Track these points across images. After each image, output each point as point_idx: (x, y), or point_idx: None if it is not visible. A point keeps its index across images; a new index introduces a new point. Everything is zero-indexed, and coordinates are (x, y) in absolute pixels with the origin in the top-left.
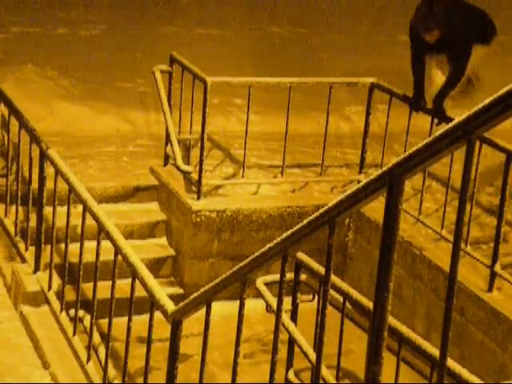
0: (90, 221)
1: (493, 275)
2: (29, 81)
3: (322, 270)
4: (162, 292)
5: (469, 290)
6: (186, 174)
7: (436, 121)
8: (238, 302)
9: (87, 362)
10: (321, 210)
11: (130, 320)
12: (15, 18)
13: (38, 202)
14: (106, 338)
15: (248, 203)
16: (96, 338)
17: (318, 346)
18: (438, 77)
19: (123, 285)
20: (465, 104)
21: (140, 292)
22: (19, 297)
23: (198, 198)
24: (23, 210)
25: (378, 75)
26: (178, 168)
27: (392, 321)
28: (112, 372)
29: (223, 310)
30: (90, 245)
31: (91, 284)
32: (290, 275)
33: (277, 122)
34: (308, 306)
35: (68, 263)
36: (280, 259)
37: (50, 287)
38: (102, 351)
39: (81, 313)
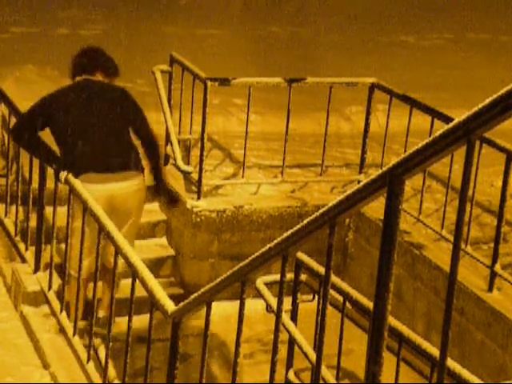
0: None
1: (493, 275)
2: (29, 81)
3: (322, 270)
4: (162, 292)
5: (469, 290)
6: (186, 173)
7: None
8: (238, 302)
9: (87, 362)
10: (321, 210)
11: (130, 320)
12: (15, 17)
13: (38, 202)
14: (106, 337)
15: (248, 203)
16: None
17: (318, 346)
18: None
19: (123, 285)
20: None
21: (140, 292)
22: (19, 297)
23: (198, 198)
24: (23, 210)
25: (378, 75)
26: (177, 168)
27: (392, 321)
28: (112, 372)
29: (223, 309)
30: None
31: (91, 284)
32: (290, 275)
33: (277, 122)
34: (308, 305)
35: (68, 263)
36: (280, 259)
37: (50, 287)
38: (102, 351)
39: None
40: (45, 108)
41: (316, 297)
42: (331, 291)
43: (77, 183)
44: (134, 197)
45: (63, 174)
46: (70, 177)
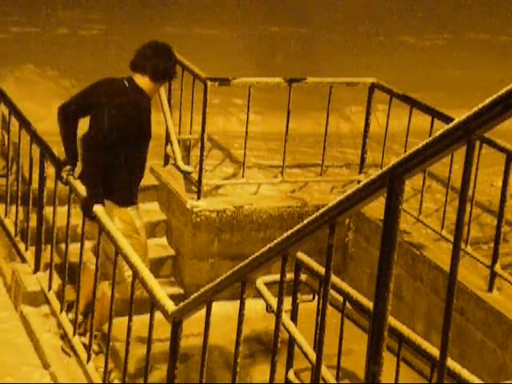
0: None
1: (493, 275)
2: (29, 81)
3: (322, 269)
4: (162, 292)
5: (469, 290)
6: (186, 173)
7: None
8: (238, 302)
9: (87, 362)
10: (321, 210)
11: (130, 320)
12: (15, 17)
13: (38, 202)
14: (106, 337)
15: (248, 203)
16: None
17: (318, 345)
18: None
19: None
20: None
21: (140, 292)
22: (19, 297)
23: (198, 198)
24: (23, 210)
25: (378, 75)
26: (178, 168)
27: (392, 321)
28: (112, 372)
29: (223, 310)
30: (90, 245)
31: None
32: (290, 275)
33: (277, 122)
34: (308, 305)
35: (68, 263)
36: (280, 259)
37: (50, 287)
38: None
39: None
40: (86, 96)
41: (316, 297)
42: (331, 291)
43: (77, 184)
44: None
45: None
46: (70, 177)
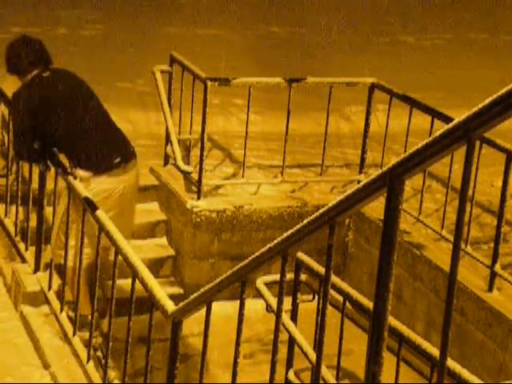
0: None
1: (493, 275)
2: None
3: (322, 269)
4: (162, 292)
5: (469, 290)
6: (186, 173)
7: None
8: (238, 302)
9: (87, 362)
10: (321, 210)
11: (130, 320)
12: (15, 17)
13: (38, 202)
14: (106, 337)
15: (248, 203)
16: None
17: (318, 345)
18: None
19: (123, 284)
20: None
21: (140, 292)
22: (19, 297)
23: (198, 198)
24: (23, 210)
25: (378, 75)
26: (178, 168)
27: (392, 321)
28: (112, 372)
29: (223, 310)
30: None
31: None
32: (290, 275)
33: (277, 122)
34: (308, 305)
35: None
36: (280, 259)
37: (50, 287)
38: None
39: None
40: (30, 112)
41: (316, 297)
42: (331, 291)
43: (76, 183)
44: (136, 184)
45: (75, 171)
46: (70, 177)
